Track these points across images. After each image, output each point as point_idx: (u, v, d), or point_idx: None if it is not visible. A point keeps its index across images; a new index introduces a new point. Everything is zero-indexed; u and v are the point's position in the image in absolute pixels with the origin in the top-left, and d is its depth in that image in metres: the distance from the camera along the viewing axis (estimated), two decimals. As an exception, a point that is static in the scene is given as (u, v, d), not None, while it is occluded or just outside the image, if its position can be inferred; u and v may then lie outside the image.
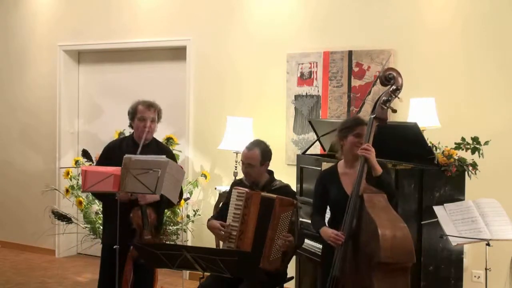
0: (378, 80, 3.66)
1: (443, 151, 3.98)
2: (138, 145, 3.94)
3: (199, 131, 5.86)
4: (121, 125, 5.07)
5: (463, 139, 4.06)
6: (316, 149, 4.92)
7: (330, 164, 3.82)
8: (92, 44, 6.46)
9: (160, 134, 4.79)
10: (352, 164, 3.43)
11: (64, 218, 5.40)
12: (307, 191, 4.47)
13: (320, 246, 3.81)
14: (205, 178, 5.54)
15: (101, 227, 4.75)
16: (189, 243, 5.56)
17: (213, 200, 5.57)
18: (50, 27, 6.68)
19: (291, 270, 3.91)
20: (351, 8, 5.13)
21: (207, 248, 3.29)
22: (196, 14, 5.86)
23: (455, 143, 4.05)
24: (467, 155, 4.04)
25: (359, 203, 3.23)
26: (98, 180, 3.56)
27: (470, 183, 4.05)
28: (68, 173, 5.56)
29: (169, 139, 5.45)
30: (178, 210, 5.26)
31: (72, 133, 6.75)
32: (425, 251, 3.83)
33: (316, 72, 5.26)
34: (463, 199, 3.98)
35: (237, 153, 5.09)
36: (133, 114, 4.02)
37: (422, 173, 3.87)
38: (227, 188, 5.10)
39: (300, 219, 3.79)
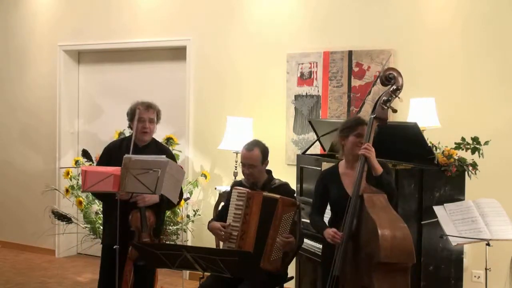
0: (378, 80, 3.66)
1: (443, 151, 3.99)
2: (138, 146, 3.95)
3: (199, 131, 5.86)
4: (121, 125, 5.07)
5: (463, 139, 4.06)
6: (316, 149, 4.92)
7: (330, 164, 3.83)
8: (92, 44, 6.46)
9: (160, 134, 4.79)
10: (353, 164, 3.43)
11: (64, 218, 5.40)
12: (307, 191, 4.47)
13: (320, 246, 3.81)
14: (205, 178, 5.54)
15: (101, 227, 4.75)
16: (189, 243, 5.56)
17: (213, 200, 5.57)
18: (50, 27, 6.68)
19: (291, 270, 3.91)
20: (351, 8, 5.13)
21: (207, 248, 3.29)
22: (196, 14, 5.86)
23: (455, 143, 4.05)
24: (467, 155, 4.04)
25: (359, 203, 3.24)
26: (98, 180, 3.56)
27: (470, 183, 4.05)
28: (68, 173, 5.56)
29: (169, 139, 5.45)
30: (178, 210, 5.26)
31: (72, 133, 6.75)
32: (425, 251, 3.84)
33: (316, 72, 5.26)
34: (463, 199, 3.98)
35: (237, 153, 5.09)
36: (132, 115, 4.02)
37: (422, 173, 3.87)
38: (227, 188, 5.11)
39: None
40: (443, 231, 3.67)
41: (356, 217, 3.24)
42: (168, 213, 5.10)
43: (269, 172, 3.88)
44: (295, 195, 3.89)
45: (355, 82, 5.08)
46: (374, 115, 3.34)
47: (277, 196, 3.63)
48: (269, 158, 3.86)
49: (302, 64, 5.32)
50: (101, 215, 4.84)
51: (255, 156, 3.74)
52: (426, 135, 4.00)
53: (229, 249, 3.63)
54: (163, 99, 5.52)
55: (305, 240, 4.00)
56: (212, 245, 4.86)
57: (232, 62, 5.68)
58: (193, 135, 5.88)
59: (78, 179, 5.45)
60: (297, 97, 5.35)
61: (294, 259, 3.97)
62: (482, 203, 3.74)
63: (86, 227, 5.42)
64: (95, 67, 6.72)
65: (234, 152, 5.16)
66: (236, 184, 3.92)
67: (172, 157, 4.00)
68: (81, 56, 6.78)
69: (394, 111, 3.40)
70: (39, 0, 6.73)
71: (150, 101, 4.10)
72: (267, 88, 5.51)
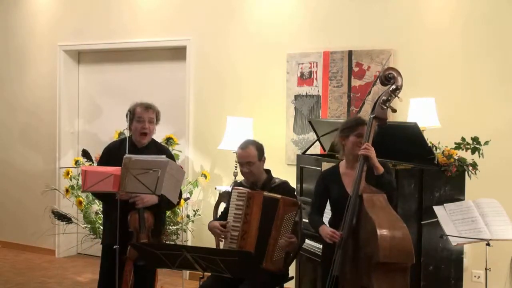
0: (378, 80, 3.66)
1: (443, 151, 3.99)
2: (137, 147, 3.95)
3: (199, 131, 5.86)
4: (121, 125, 5.07)
5: (463, 139, 4.06)
6: (316, 149, 4.92)
7: (330, 164, 3.83)
8: (92, 44, 6.46)
9: (160, 134, 4.79)
10: (354, 164, 3.43)
11: (64, 218, 5.40)
12: (307, 191, 4.47)
13: (320, 246, 3.82)
14: (205, 178, 5.54)
15: (101, 227, 4.75)
16: (189, 243, 5.56)
17: (213, 200, 5.57)
18: (50, 27, 6.68)
19: (291, 270, 3.91)
20: (351, 8, 5.13)
21: (207, 248, 3.28)
22: (196, 14, 5.86)
23: (455, 143, 4.05)
24: (467, 155, 4.04)
25: (358, 203, 3.24)
26: (98, 180, 3.56)
27: (470, 183, 4.05)
28: (68, 173, 5.56)
29: (169, 139, 5.45)
30: (178, 210, 5.26)
31: (72, 133, 6.75)
32: (425, 251, 3.84)
33: (316, 72, 5.26)
34: (463, 199, 3.98)
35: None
36: (131, 116, 4.02)
37: (422, 173, 3.87)
38: (227, 188, 5.12)
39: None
40: (443, 231, 3.67)
41: (356, 217, 3.25)
42: (168, 213, 5.10)
43: (268, 171, 3.88)
44: (295, 193, 3.90)
45: (355, 82, 5.08)
46: (374, 115, 3.34)
47: (278, 196, 3.63)
48: (269, 159, 3.86)
49: (302, 64, 5.32)
50: (101, 215, 4.84)
51: (251, 152, 3.74)
52: (426, 135, 4.00)
53: (229, 249, 3.63)
54: (163, 99, 5.54)
55: (306, 240, 4.00)
56: (212, 245, 4.85)
57: (232, 62, 5.68)
58: (193, 135, 5.88)
59: (78, 179, 5.46)
60: (297, 97, 5.35)
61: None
62: (482, 203, 3.74)
63: (86, 227, 5.43)
64: (95, 67, 6.72)
65: (234, 152, 5.13)
66: (236, 185, 3.93)
67: (172, 158, 3.99)
68: (81, 56, 6.78)
69: (394, 110, 3.40)
70: (39, 0, 6.73)
71: (149, 102, 4.10)
72: (267, 88, 5.51)
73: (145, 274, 3.98)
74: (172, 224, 5.25)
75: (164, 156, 3.69)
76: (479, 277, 4.63)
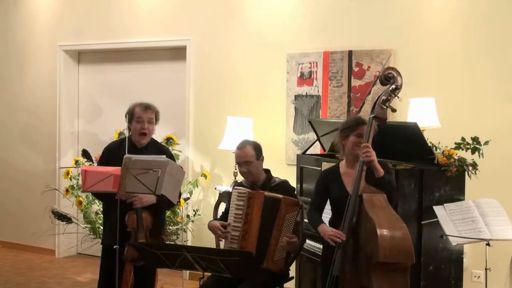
0: (378, 80, 3.66)
1: (443, 151, 3.99)
2: (137, 147, 3.95)
3: (199, 131, 5.86)
4: (121, 125, 5.05)
5: (463, 139, 4.06)
6: (316, 149, 4.92)
7: (330, 164, 3.83)
8: (92, 44, 6.46)
9: (160, 134, 4.79)
10: (354, 164, 3.43)
11: (64, 218, 5.40)
12: (307, 191, 4.47)
13: (320, 246, 3.81)
14: (205, 178, 5.54)
15: (101, 227, 4.75)
16: (189, 243, 5.56)
17: (213, 200, 5.57)
18: (50, 27, 6.68)
19: (291, 270, 3.91)
20: (351, 8, 5.13)
21: (207, 248, 3.28)
22: (196, 14, 5.86)
23: (455, 143, 4.05)
24: (467, 155, 4.04)
25: (358, 203, 3.24)
26: (98, 180, 3.56)
27: (470, 183, 4.05)
28: (68, 173, 5.56)
29: (169, 139, 5.45)
30: (178, 210, 5.26)
31: (72, 133, 6.75)
32: (425, 251, 3.83)
33: (316, 72, 5.26)
34: (463, 199, 3.98)
35: (237, 153, 5.08)
36: (130, 116, 4.02)
37: (422, 173, 3.87)
38: (227, 188, 5.12)
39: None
40: (443, 231, 3.67)
41: (356, 217, 3.24)
42: (168, 213, 5.10)
43: (267, 171, 3.88)
44: (295, 192, 3.90)
45: (355, 82, 5.07)
46: (374, 115, 3.33)
47: (280, 196, 3.62)
48: (269, 159, 3.86)
49: (302, 64, 5.32)
50: (101, 215, 4.84)
51: (248, 152, 3.75)
52: (426, 135, 4.00)
53: (229, 249, 3.63)
54: (163, 99, 5.54)
55: (306, 240, 4.00)
56: (212, 245, 4.86)
57: (232, 62, 5.68)
58: (193, 135, 5.88)
59: (78, 179, 5.46)
60: (297, 97, 5.35)
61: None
62: (482, 203, 3.74)
63: (86, 227, 5.43)
64: (95, 67, 6.72)
65: (234, 152, 5.14)
66: (236, 185, 3.93)
67: (172, 158, 3.99)
68: (81, 56, 6.78)
69: (393, 110, 3.40)
70: (39, 0, 6.73)
71: (149, 102, 4.10)
72: (267, 88, 5.51)
73: (145, 274, 3.98)
74: (172, 224, 5.25)
75: (164, 156, 3.69)
76: (479, 277, 4.63)
